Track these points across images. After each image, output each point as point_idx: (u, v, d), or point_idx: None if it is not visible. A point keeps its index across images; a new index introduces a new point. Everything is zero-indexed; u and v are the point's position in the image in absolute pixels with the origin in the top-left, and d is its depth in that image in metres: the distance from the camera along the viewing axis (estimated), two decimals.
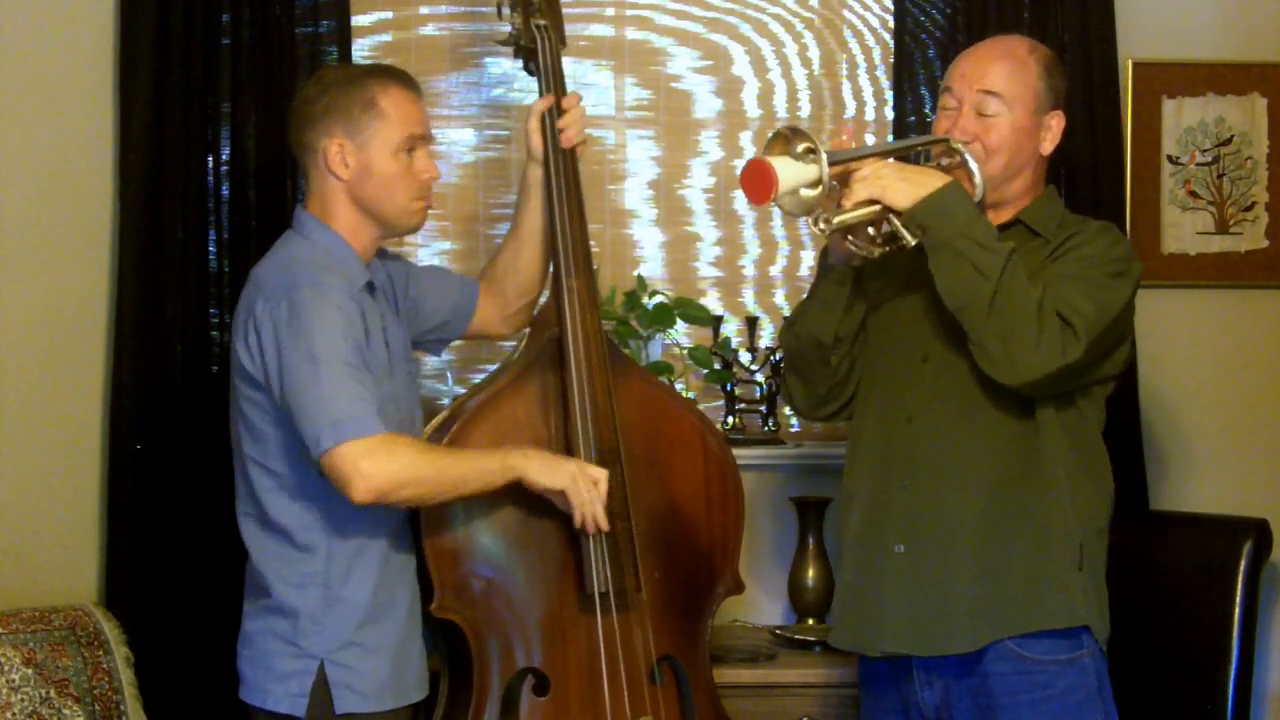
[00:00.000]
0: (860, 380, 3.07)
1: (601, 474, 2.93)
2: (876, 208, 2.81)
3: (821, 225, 2.78)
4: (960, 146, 2.90)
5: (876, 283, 3.03)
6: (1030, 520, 2.86)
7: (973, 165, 2.89)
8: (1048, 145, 2.98)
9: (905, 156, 2.96)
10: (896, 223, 2.82)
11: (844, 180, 2.82)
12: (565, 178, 3.13)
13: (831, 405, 3.12)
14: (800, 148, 2.76)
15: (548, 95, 3.16)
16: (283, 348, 2.78)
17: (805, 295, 3.15)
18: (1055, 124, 2.97)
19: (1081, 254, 2.87)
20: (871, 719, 3.06)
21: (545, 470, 2.88)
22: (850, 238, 2.87)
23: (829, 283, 3.01)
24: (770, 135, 2.81)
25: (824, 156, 2.73)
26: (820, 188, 2.74)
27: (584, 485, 2.89)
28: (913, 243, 2.81)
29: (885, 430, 2.98)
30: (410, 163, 2.94)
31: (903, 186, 2.80)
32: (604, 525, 2.93)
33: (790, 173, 2.74)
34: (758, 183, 2.73)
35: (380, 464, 2.73)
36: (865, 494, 2.99)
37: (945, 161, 2.93)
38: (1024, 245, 2.90)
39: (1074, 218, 3.03)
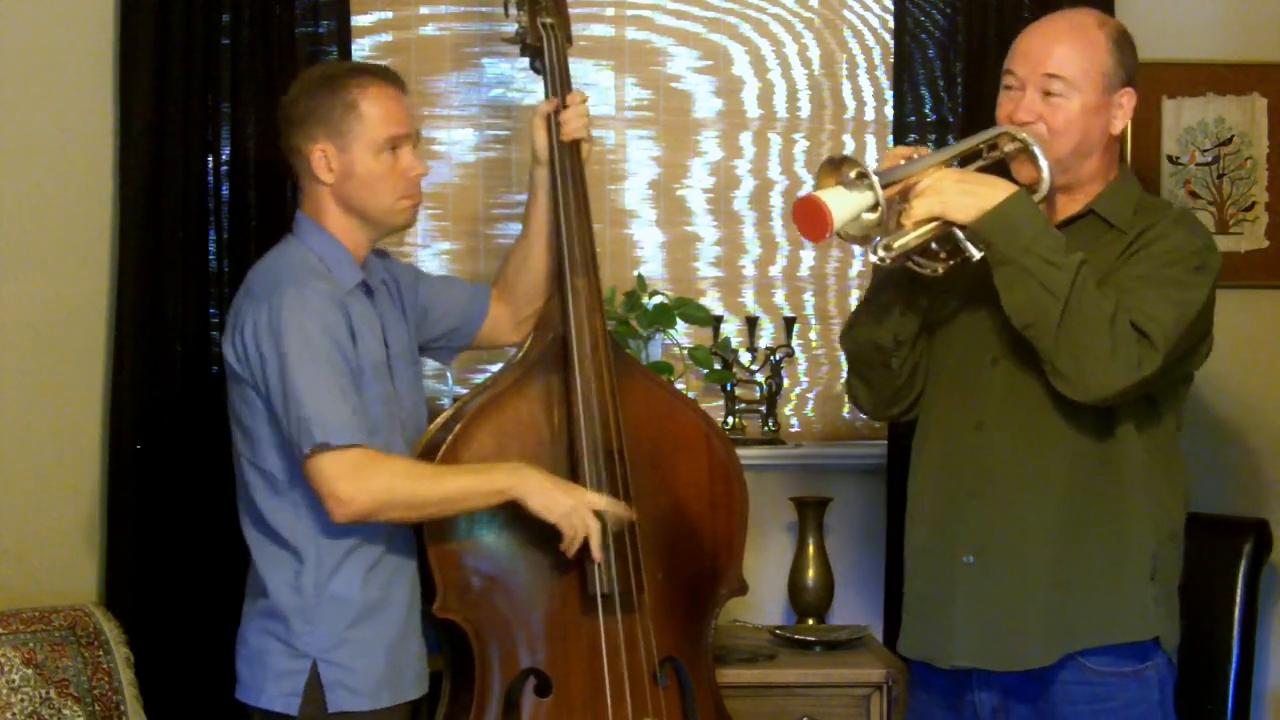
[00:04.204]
0: (926, 380, 2.95)
1: (602, 502, 2.91)
2: (938, 224, 2.69)
3: (881, 254, 2.66)
4: (1023, 135, 2.76)
5: (940, 280, 2.84)
6: (1106, 530, 2.76)
7: (1037, 152, 2.74)
8: (1119, 124, 2.81)
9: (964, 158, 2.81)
10: (960, 235, 2.69)
11: (904, 195, 2.70)
12: (570, 177, 3.12)
13: (899, 405, 2.98)
14: (852, 174, 2.64)
15: (553, 98, 3.14)
16: (264, 350, 2.79)
17: (863, 297, 3.02)
18: (1127, 102, 2.80)
19: (1157, 250, 2.72)
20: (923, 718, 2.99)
21: (542, 500, 2.85)
22: (912, 257, 2.74)
23: (885, 285, 2.89)
24: (820, 166, 2.69)
25: (875, 179, 2.62)
26: (879, 210, 2.63)
27: (579, 521, 2.86)
28: (977, 256, 2.68)
29: (953, 436, 2.86)
30: (395, 161, 2.91)
31: (964, 200, 2.67)
32: (596, 557, 2.90)
33: (843, 204, 2.63)
34: (812, 220, 2.62)
35: (358, 489, 2.73)
36: (931, 502, 2.89)
37: (1009, 148, 2.78)
38: (1098, 239, 2.78)
39: (1150, 201, 2.89)
